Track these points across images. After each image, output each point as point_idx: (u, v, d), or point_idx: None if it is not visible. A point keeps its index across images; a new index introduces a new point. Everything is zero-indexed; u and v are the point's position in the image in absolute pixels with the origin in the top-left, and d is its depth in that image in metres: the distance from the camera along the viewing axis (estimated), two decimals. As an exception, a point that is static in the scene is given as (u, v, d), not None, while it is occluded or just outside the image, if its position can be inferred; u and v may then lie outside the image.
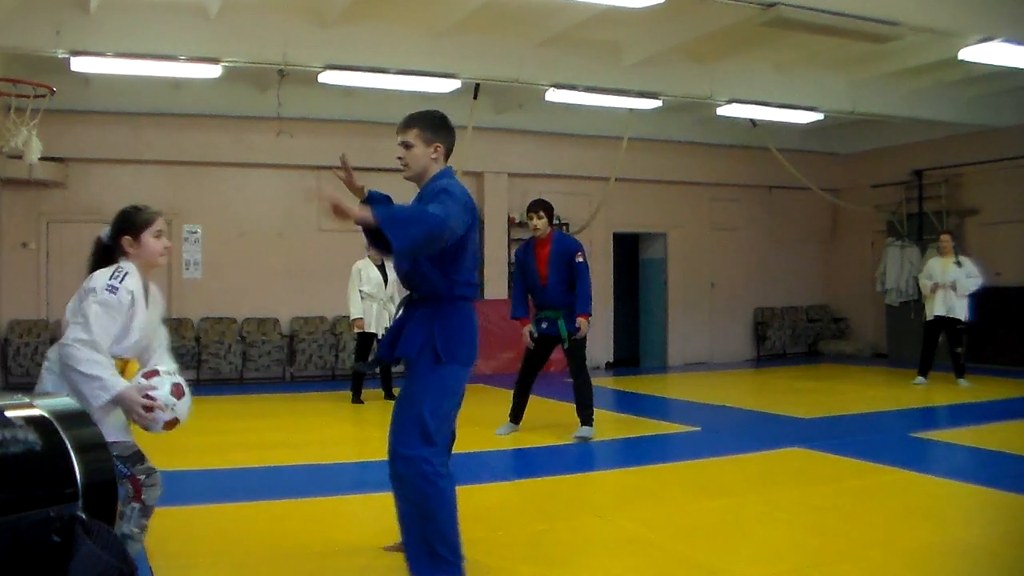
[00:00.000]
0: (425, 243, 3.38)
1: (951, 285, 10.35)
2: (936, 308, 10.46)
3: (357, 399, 9.55)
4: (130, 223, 3.60)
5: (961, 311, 10.38)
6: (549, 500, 5.33)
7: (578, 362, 7.39)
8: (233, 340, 11.40)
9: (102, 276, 3.53)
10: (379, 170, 12.49)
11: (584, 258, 7.22)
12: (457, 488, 4.96)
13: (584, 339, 7.33)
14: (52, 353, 3.55)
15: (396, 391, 9.96)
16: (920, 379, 10.58)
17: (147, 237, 3.60)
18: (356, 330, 9.58)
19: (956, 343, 10.53)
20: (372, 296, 9.49)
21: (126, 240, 3.59)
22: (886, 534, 4.45)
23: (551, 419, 8.81)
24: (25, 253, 10.87)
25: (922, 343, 10.74)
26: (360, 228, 3.43)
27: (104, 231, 3.66)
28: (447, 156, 3.90)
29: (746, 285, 14.77)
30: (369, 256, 9.58)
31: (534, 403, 9.72)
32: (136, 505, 3.54)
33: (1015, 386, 10.31)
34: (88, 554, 1.33)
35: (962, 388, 10.19)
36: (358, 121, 11.70)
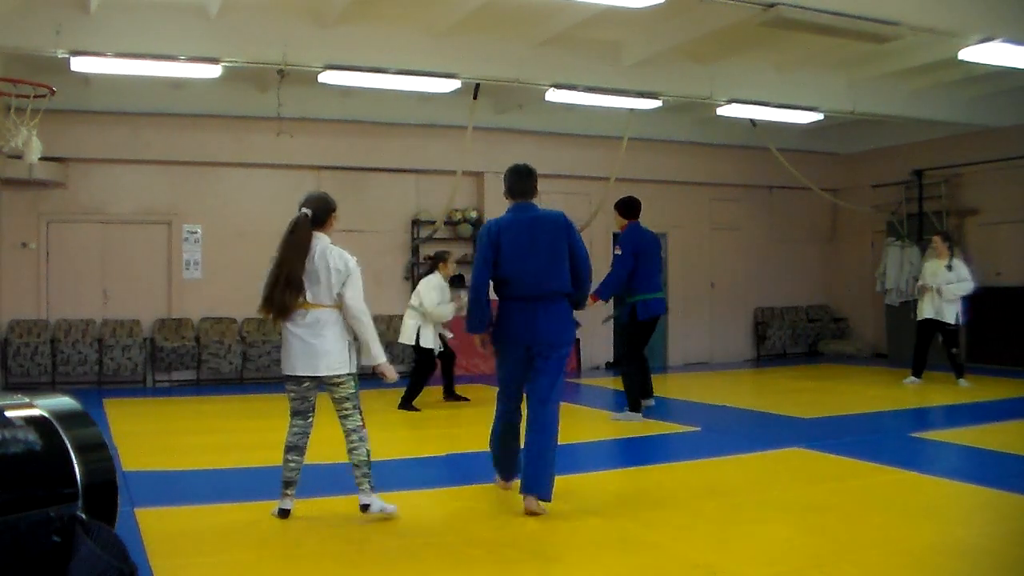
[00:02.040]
0: (472, 307, 5.18)
1: (938, 288, 10.37)
2: (925, 311, 10.51)
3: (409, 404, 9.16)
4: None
5: (950, 314, 10.38)
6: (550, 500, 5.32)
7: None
8: (233, 340, 11.40)
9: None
10: (379, 170, 12.61)
11: (620, 250, 8.12)
12: (456, 488, 4.98)
13: (625, 325, 8.21)
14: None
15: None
16: (912, 379, 10.58)
17: None
18: (425, 345, 9.13)
19: (950, 345, 10.54)
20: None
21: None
22: (886, 534, 4.45)
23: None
24: (25, 253, 10.87)
25: (915, 343, 10.75)
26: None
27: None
28: (511, 194, 5.23)
29: (746, 285, 14.76)
30: (443, 274, 9.32)
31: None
32: (365, 431, 4.84)
33: (1015, 386, 10.31)
34: (88, 554, 1.33)
35: (962, 388, 10.18)
36: (358, 121, 11.70)
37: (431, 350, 9.22)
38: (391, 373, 4.91)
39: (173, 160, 11.45)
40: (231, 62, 8.96)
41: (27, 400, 1.46)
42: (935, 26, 8.40)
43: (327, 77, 9.49)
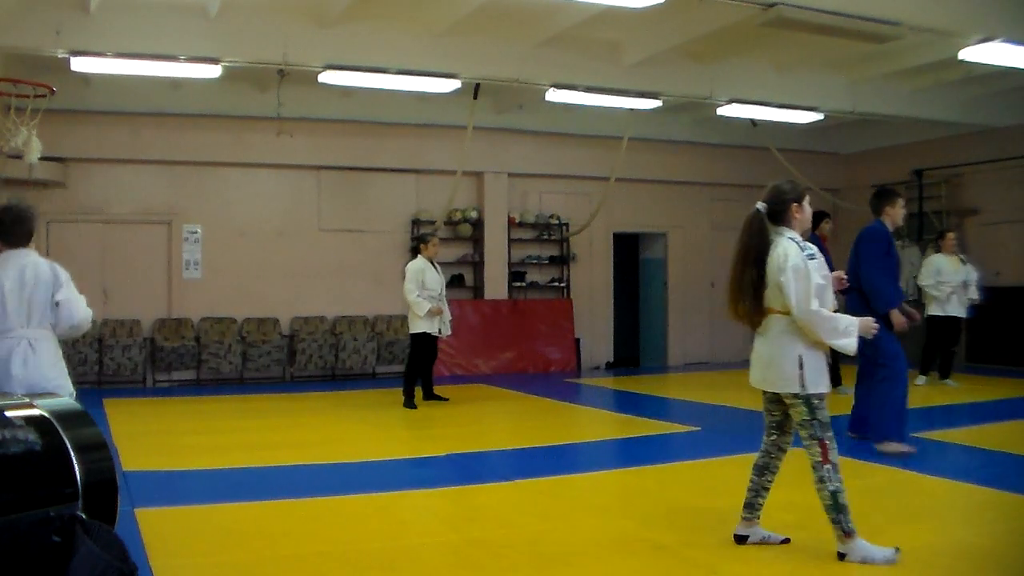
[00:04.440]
0: None
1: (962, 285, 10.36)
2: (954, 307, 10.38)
3: (410, 403, 9.04)
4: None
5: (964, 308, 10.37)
6: (549, 500, 5.33)
7: None
8: (233, 340, 11.40)
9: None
10: (379, 170, 12.62)
11: None
12: (456, 488, 4.96)
13: None
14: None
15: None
16: (949, 381, 10.45)
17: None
18: (415, 330, 9.12)
19: (955, 342, 10.54)
20: (432, 298, 9.09)
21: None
22: (886, 534, 4.45)
23: (552, 419, 8.81)
24: (25, 253, 10.85)
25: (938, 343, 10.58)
26: None
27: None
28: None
29: (746, 285, 14.73)
30: (426, 256, 9.23)
31: (534, 403, 9.74)
32: (828, 466, 4.08)
33: (1014, 386, 10.31)
34: (88, 554, 1.33)
35: (957, 388, 10.17)
36: (358, 121, 11.70)
37: (420, 335, 9.11)
38: (867, 327, 4.17)
39: (173, 160, 11.46)
40: (231, 62, 8.96)
41: (27, 400, 1.46)
42: (935, 26, 8.40)
43: (327, 77, 9.49)
